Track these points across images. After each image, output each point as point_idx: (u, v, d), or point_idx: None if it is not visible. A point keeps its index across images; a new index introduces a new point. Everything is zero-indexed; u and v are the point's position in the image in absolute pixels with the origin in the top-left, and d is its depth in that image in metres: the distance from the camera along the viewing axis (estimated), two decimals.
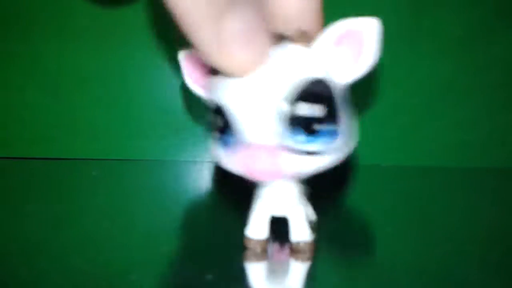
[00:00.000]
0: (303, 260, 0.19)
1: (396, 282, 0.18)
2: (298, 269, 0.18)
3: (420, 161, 0.34)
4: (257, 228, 0.19)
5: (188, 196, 0.29)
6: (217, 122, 0.17)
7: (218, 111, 0.17)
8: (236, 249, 0.19)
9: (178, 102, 0.33)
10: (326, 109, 0.17)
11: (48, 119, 0.33)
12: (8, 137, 0.33)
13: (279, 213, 0.19)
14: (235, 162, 0.17)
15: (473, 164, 0.34)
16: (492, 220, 0.25)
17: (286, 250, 0.20)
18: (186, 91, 0.27)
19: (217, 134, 0.17)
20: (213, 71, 0.17)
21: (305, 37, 0.17)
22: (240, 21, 0.14)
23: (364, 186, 0.31)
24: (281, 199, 0.19)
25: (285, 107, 0.16)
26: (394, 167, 0.34)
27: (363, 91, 0.33)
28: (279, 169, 0.16)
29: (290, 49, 0.16)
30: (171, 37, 0.31)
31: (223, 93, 0.17)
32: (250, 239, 0.19)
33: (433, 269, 0.19)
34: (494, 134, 0.34)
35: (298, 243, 0.19)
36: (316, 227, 0.20)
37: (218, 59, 0.15)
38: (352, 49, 0.17)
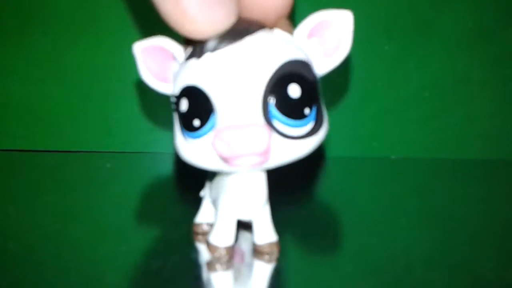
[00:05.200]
0: (270, 261, 0.18)
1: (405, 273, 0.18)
2: (266, 272, 0.17)
3: (432, 153, 0.34)
4: (223, 234, 0.18)
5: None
6: (183, 109, 0.16)
7: (190, 93, 0.16)
8: None
9: None
10: (312, 93, 0.16)
11: (63, 112, 0.34)
12: (24, 129, 0.34)
13: (247, 217, 0.18)
14: (216, 147, 0.15)
15: (485, 156, 0.34)
16: (505, 212, 0.25)
17: (249, 252, 0.19)
18: None
19: (180, 122, 0.16)
20: (188, 54, 0.16)
21: (288, 25, 0.17)
22: None
23: (374, 178, 0.31)
24: (252, 198, 0.17)
25: (274, 87, 0.15)
26: (404, 160, 0.34)
27: (372, 84, 0.33)
28: (268, 152, 0.15)
29: (274, 33, 0.16)
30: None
31: (200, 72, 0.16)
32: (216, 247, 0.18)
33: (445, 263, 0.19)
34: (506, 127, 0.34)
35: (263, 245, 0.18)
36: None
37: (176, 20, 0.15)
38: (325, 42, 0.17)
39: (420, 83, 0.33)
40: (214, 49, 0.15)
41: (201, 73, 0.16)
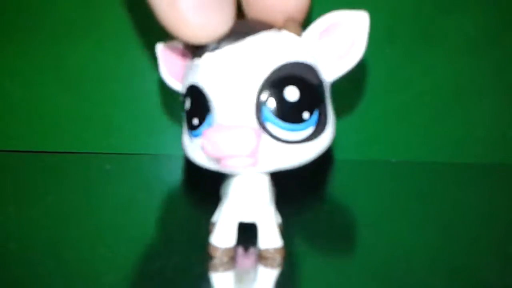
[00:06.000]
0: (272, 266, 0.18)
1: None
2: (269, 278, 0.17)
3: (433, 157, 0.34)
4: (224, 235, 0.18)
5: (199, 187, 0.29)
6: (186, 107, 0.17)
7: (192, 92, 0.16)
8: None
9: None
10: (314, 97, 0.16)
11: (64, 113, 0.34)
12: (25, 131, 0.34)
13: (248, 219, 0.17)
14: (204, 147, 0.15)
15: (486, 160, 0.34)
16: (506, 215, 0.25)
17: (253, 256, 0.18)
18: None
19: (185, 121, 0.17)
20: (193, 54, 0.17)
21: (296, 27, 0.16)
22: None
23: (374, 181, 0.31)
24: (252, 200, 0.17)
25: (270, 89, 0.15)
26: (404, 163, 0.34)
27: (375, 88, 0.33)
28: (255, 154, 0.15)
29: (280, 34, 0.16)
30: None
31: (201, 72, 0.16)
32: (216, 248, 0.18)
33: (446, 266, 0.19)
34: (507, 131, 0.34)
35: (267, 249, 0.18)
36: (282, 230, 0.19)
37: (173, 24, 0.15)
38: (338, 43, 0.16)
39: (422, 87, 0.33)
40: (214, 48, 0.16)
41: (201, 72, 0.16)
